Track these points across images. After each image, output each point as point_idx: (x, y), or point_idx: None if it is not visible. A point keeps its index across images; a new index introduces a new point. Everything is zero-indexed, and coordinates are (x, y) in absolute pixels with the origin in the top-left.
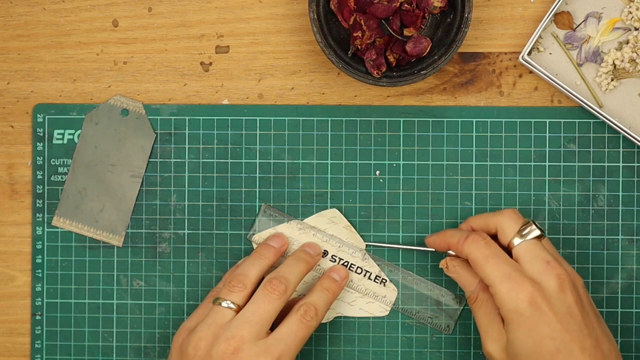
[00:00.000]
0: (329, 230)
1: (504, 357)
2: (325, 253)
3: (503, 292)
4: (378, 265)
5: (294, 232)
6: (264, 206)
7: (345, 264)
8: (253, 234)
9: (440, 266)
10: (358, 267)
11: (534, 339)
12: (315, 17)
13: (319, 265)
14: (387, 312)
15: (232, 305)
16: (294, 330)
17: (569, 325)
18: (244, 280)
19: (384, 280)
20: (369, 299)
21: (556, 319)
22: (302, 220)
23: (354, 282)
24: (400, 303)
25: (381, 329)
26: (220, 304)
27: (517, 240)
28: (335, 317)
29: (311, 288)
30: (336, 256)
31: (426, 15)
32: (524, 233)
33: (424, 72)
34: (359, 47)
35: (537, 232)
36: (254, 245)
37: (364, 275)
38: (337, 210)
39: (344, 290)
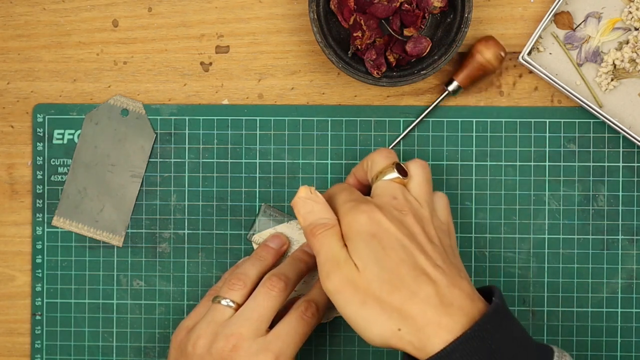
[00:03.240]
0: None
1: (354, 277)
2: None
3: (346, 209)
4: None
5: (294, 233)
6: (264, 206)
7: None
8: (253, 234)
9: (291, 203)
10: None
11: (376, 249)
12: (315, 17)
13: None
14: None
15: (231, 304)
16: (294, 327)
17: (411, 244)
18: (243, 279)
19: None
20: None
21: (397, 234)
22: None
23: None
24: None
25: None
26: (219, 302)
27: (377, 179)
28: (336, 317)
29: (311, 286)
30: None
31: (426, 15)
32: (384, 173)
33: (424, 72)
34: (359, 47)
35: (394, 175)
36: (254, 246)
37: None
38: None
39: None
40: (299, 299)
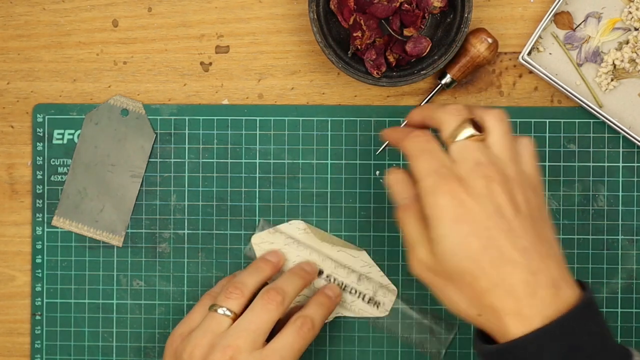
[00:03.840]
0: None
1: (432, 262)
2: (320, 272)
3: (427, 186)
4: (373, 287)
5: (295, 233)
6: (262, 221)
7: (340, 284)
8: (250, 250)
9: (379, 177)
10: (352, 288)
11: (459, 234)
12: (315, 17)
13: (313, 285)
14: (386, 314)
15: (228, 313)
16: (291, 341)
17: (496, 224)
18: (241, 288)
19: (377, 303)
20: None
21: (481, 216)
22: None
23: (347, 302)
24: (391, 326)
25: (381, 328)
26: (216, 310)
27: (453, 140)
28: (336, 318)
29: (307, 302)
30: (331, 276)
31: (426, 15)
32: (459, 132)
33: (424, 72)
34: (359, 47)
35: (470, 132)
36: (256, 252)
37: (358, 297)
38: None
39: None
40: (296, 311)
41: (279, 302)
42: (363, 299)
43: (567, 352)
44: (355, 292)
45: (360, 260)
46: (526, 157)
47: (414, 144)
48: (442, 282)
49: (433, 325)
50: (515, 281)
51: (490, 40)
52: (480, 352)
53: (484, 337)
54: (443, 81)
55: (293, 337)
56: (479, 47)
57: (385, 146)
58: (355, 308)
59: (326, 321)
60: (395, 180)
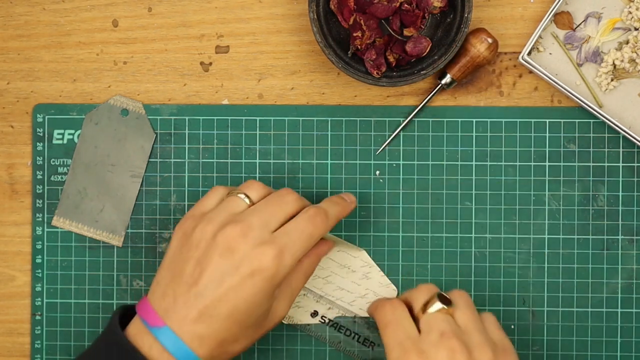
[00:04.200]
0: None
1: None
2: (315, 313)
3: (396, 358)
4: (369, 329)
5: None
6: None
7: (335, 325)
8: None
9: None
10: (347, 329)
11: None
12: (315, 17)
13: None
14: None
15: (246, 200)
16: (302, 226)
17: None
18: (263, 185)
19: (372, 344)
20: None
21: None
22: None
23: (342, 343)
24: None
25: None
26: (236, 194)
27: (422, 312)
28: (336, 317)
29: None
30: (326, 316)
31: (426, 15)
32: (429, 306)
33: (424, 72)
34: (359, 47)
35: (438, 305)
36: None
37: (353, 338)
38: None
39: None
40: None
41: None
42: (358, 340)
43: None
44: (350, 333)
45: (360, 260)
46: (491, 327)
47: (381, 315)
48: None
49: None
50: None
51: (490, 40)
52: None
53: None
54: (443, 81)
55: (305, 223)
56: (479, 47)
57: (385, 146)
58: (350, 350)
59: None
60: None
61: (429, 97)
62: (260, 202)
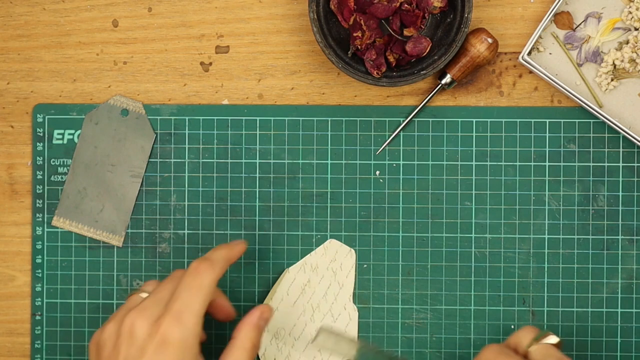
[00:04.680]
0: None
1: None
2: None
3: None
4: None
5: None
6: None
7: None
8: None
9: None
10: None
11: None
12: (315, 17)
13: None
14: None
15: (145, 295)
16: (188, 282)
17: None
18: (155, 281)
19: None
20: None
21: None
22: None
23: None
24: None
25: (381, 329)
26: (135, 293)
27: (531, 347)
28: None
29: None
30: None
31: (426, 15)
32: (539, 340)
33: (424, 72)
34: (359, 47)
35: (554, 339)
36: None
37: None
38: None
39: None
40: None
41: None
42: None
43: None
44: None
45: None
46: None
47: (490, 352)
48: None
49: None
50: None
51: (490, 40)
52: None
53: None
54: (443, 81)
55: (189, 278)
56: (479, 47)
57: (385, 146)
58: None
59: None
60: None
61: (429, 97)
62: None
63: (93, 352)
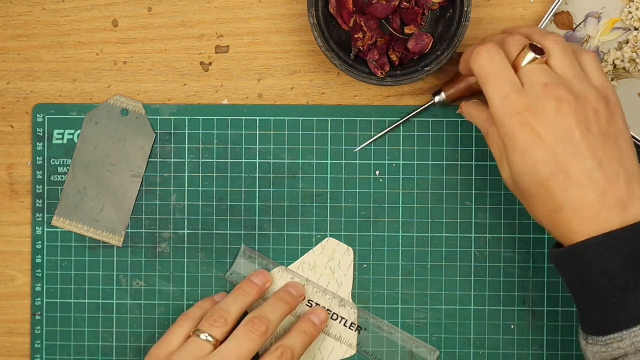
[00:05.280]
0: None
1: (513, 185)
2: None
3: (499, 115)
4: (355, 313)
5: (275, 274)
6: (244, 247)
7: (319, 307)
8: (231, 275)
9: (457, 112)
10: (334, 313)
11: (528, 163)
12: (315, 21)
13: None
14: (354, 353)
15: (210, 339)
16: None
17: (564, 149)
18: (225, 316)
19: (359, 328)
20: (336, 340)
21: (550, 141)
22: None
23: (328, 327)
24: (371, 347)
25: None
26: (199, 336)
27: (517, 68)
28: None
29: (290, 330)
30: (313, 300)
31: (426, 12)
32: (521, 59)
33: (428, 68)
34: (361, 48)
35: (531, 56)
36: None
37: (340, 322)
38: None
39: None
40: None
41: (262, 332)
42: (345, 324)
43: (634, 258)
44: (337, 317)
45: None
46: (592, 71)
47: (479, 66)
48: (521, 196)
49: (414, 349)
50: (580, 203)
51: None
52: (552, 257)
53: (559, 245)
54: (437, 99)
55: None
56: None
57: (364, 147)
58: (336, 333)
59: None
60: (469, 107)
61: (418, 111)
62: (226, 343)
63: None
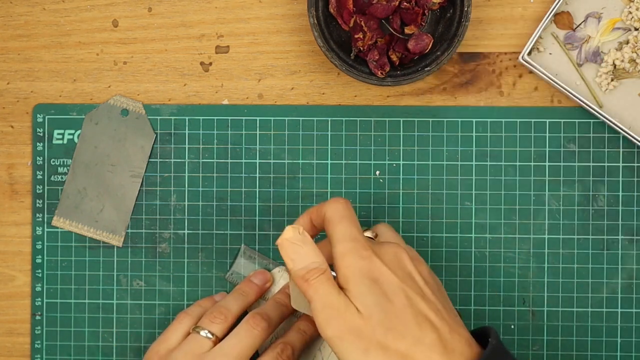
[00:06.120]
0: None
1: (357, 322)
2: None
3: (345, 249)
4: None
5: (276, 273)
6: (244, 247)
7: None
8: (231, 275)
9: (276, 243)
10: None
11: (377, 294)
12: (315, 22)
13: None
14: None
15: (210, 335)
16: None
17: (411, 287)
18: (225, 313)
19: None
20: None
21: (396, 278)
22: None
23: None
24: None
25: None
26: (198, 332)
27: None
28: None
29: (289, 328)
30: None
31: (426, 12)
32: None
33: (428, 68)
34: (361, 48)
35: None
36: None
37: None
38: None
39: None
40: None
41: (263, 328)
42: None
43: None
44: None
45: None
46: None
47: (334, 209)
48: (364, 345)
49: None
50: (436, 338)
51: None
52: None
53: None
54: None
55: (270, 356)
56: None
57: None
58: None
59: None
60: (298, 245)
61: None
62: (227, 339)
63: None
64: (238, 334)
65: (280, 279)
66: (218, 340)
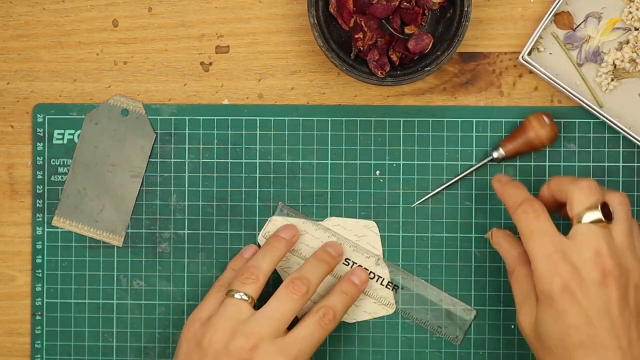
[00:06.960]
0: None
1: (532, 334)
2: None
3: (539, 272)
4: (391, 271)
5: (310, 230)
6: (280, 205)
7: (359, 267)
8: (269, 234)
9: (485, 236)
10: (370, 271)
11: (559, 326)
12: (315, 21)
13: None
14: (393, 310)
15: (245, 297)
16: (312, 331)
17: (600, 322)
18: (256, 272)
19: (395, 287)
20: (375, 300)
21: (587, 311)
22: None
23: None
24: (409, 305)
25: (381, 328)
26: (233, 295)
27: (578, 220)
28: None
29: (330, 290)
30: (349, 259)
31: (426, 11)
32: (586, 214)
33: (428, 68)
34: (362, 48)
35: (597, 216)
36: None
37: (376, 280)
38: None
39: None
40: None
41: (303, 293)
42: (382, 282)
43: None
44: (374, 275)
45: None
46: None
47: (524, 222)
48: (535, 345)
49: (450, 308)
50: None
51: (548, 121)
52: None
53: None
54: (495, 155)
55: (314, 327)
56: (541, 134)
57: (424, 200)
58: (372, 293)
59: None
60: (500, 237)
61: (476, 166)
62: (268, 303)
63: (187, 345)
64: (279, 299)
65: (316, 231)
66: (253, 301)
